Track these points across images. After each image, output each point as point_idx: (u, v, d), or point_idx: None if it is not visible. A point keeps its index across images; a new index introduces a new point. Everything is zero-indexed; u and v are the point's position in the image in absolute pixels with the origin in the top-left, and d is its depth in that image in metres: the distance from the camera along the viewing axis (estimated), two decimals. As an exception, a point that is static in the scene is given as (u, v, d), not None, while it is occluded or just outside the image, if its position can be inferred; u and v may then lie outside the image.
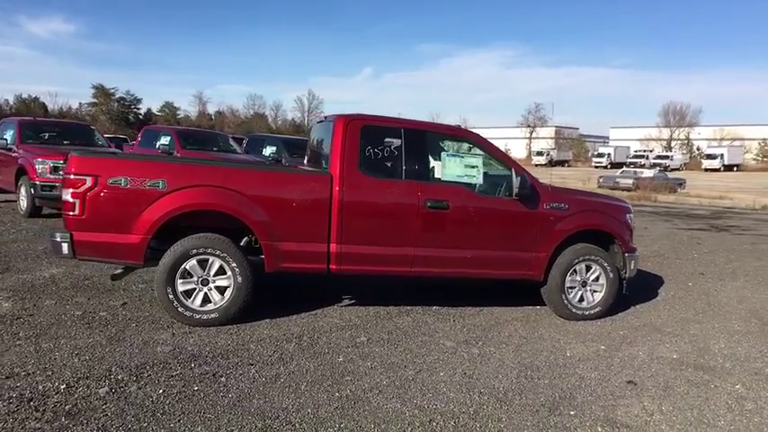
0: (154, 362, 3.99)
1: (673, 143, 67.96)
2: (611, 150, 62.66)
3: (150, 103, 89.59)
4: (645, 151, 62.95)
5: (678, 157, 61.29)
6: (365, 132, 5.23)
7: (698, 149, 68.11)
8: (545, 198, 5.57)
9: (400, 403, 3.61)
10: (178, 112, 75.93)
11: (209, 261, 4.83)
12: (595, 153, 66.40)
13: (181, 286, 4.78)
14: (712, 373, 4.44)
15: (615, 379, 4.23)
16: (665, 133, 68.77)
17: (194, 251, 4.77)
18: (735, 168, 59.82)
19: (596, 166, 58.66)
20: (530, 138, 72.71)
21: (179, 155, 12.07)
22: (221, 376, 3.85)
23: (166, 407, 3.36)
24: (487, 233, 5.45)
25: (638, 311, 6.18)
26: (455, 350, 4.67)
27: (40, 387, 3.49)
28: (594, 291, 5.82)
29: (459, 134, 5.73)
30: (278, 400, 3.54)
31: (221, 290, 4.89)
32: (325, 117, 5.82)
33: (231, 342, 4.50)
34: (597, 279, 5.80)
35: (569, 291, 5.73)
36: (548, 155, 62.96)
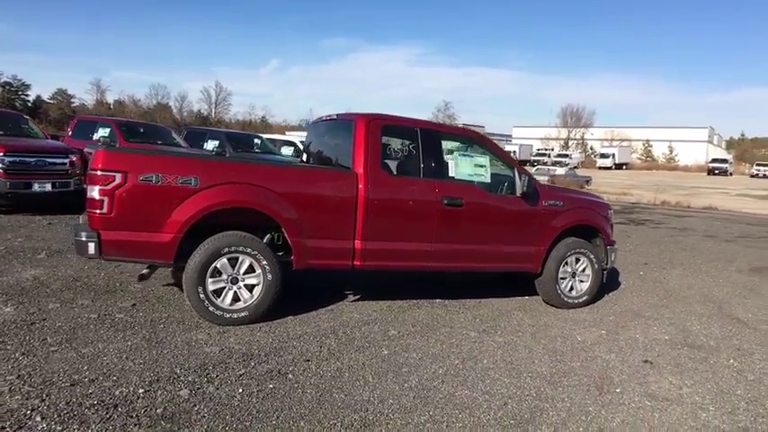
0: (211, 362, 3.94)
1: (570, 143, 72.70)
2: (516, 148, 65.94)
3: (40, 89, 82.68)
4: (546, 150, 66.98)
5: (576, 155, 65.70)
6: (385, 132, 5.38)
7: (591, 149, 73.41)
8: (543, 196, 6.00)
9: (468, 390, 3.84)
10: (73, 100, 70.49)
11: (240, 259, 4.79)
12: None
13: (211, 285, 4.71)
14: (705, 351, 5.04)
15: (632, 359, 4.70)
16: (564, 133, 73.46)
17: (225, 249, 4.71)
18: (624, 167, 65.11)
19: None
20: (439, 135, 74.79)
21: (123, 148, 11.47)
22: (287, 373, 3.88)
23: (257, 406, 3.37)
24: (495, 229, 5.79)
25: (613, 299, 6.79)
26: (481, 339, 4.96)
27: (117, 392, 3.37)
28: (581, 281, 6.34)
29: (468, 135, 6.02)
30: (357, 393, 3.65)
31: (249, 288, 4.86)
32: (337, 116, 5.88)
33: (272, 340, 4.51)
34: (584, 270, 6.32)
35: (561, 281, 6.20)
36: (457, 152, 65.15)
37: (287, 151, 16.42)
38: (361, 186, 5.12)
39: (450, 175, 5.66)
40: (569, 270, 6.24)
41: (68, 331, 4.34)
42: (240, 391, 3.54)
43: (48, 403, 3.16)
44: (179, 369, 3.78)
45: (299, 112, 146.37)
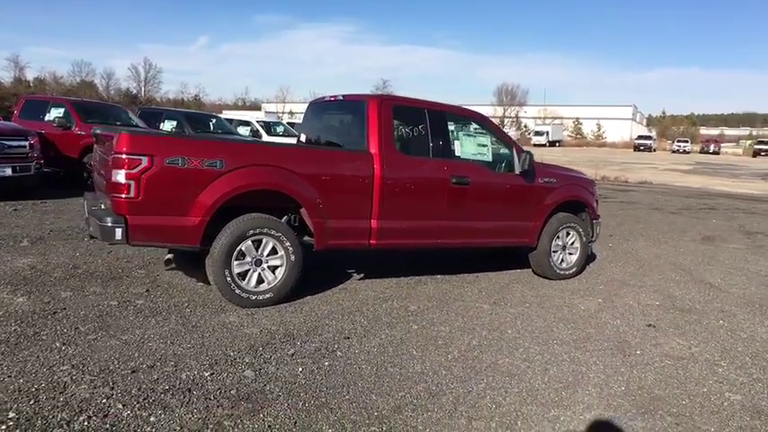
0: (258, 344, 3.98)
1: (505, 121, 74.57)
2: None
3: (-57, 65, 75.99)
4: (484, 128, 68.46)
5: (512, 133, 67.55)
6: (396, 112, 5.48)
7: (525, 127, 75.65)
8: (539, 173, 6.28)
9: (508, 358, 4.07)
10: (-14, 78, 65.50)
11: (264, 241, 4.80)
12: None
13: (236, 268, 4.71)
14: (695, 314, 5.50)
15: (637, 324, 5.09)
16: (499, 112, 75.20)
17: (251, 232, 4.71)
18: (557, 144, 67.58)
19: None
20: (379, 113, 74.78)
21: (80, 131, 10.96)
22: (335, 350, 3.98)
23: (324, 383, 3.46)
24: (497, 206, 6.04)
25: (595, 270, 7.22)
26: (495, 311, 5.20)
27: (183, 377, 3.37)
28: (570, 253, 6.71)
29: (470, 115, 6.19)
30: (409, 366, 3.81)
31: (272, 270, 4.89)
32: (343, 97, 5.90)
33: (304, 320, 4.58)
34: (573, 243, 6.69)
35: (553, 254, 6.55)
36: (399, 130, 65.56)
37: (243, 131, 16.10)
38: (376, 166, 5.20)
39: (457, 154, 5.82)
40: (560, 243, 6.59)
41: (96, 319, 4.24)
42: (300, 369, 3.61)
43: (120, 391, 3.13)
44: (231, 351, 3.80)
45: (234, 90, 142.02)
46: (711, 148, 62.43)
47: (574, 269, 6.71)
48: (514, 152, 6.08)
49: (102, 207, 4.88)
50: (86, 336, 3.91)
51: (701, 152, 61.41)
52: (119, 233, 4.28)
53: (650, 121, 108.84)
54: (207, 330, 4.17)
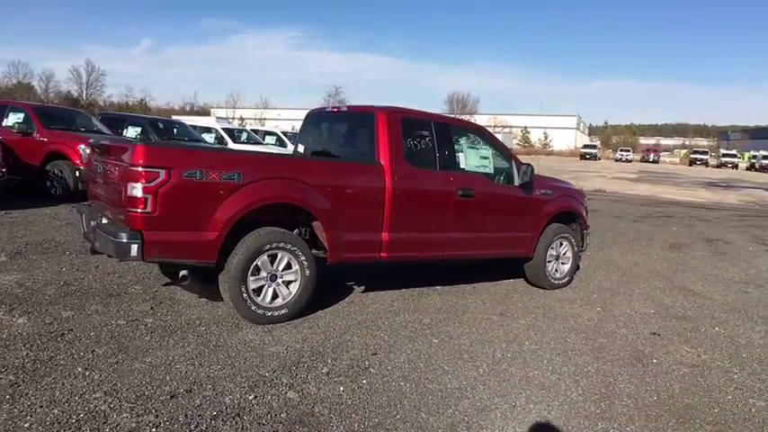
0: (289, 363, 3.88)
1: (456, 129, 75.89)
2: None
3: None
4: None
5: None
6: (404, 124, 5.47)
7: (476, 135, 76.99)
8: (536, 185, 6.41)
9: (537, 370, 4.12)
10: None
11: (279, 256, 4.69)
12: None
13: (252, 283, 4.58)
14: (690, 321, 5.72)
15: (641, 332, 5.24)
16: (451, 120, 76.35)
17: (267, 246, 4.59)
18: (507, 152, 69.08)
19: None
20: (331, 120, 74.64)
21: (42, 138, 10.43)
22: (368, 368, 3.92)
23: (370, 402, 3.41)
24: (500, 217, 6.11)
25: (582, 279, 7.40)
26: (505, 323, 5.25)
27: (226, 400, 3.24)
28: (563, 263, 6.86)
29: (471, 127, 6.26)
30: (446, 381, 3.79)
31: (286, 284, 4.78)
32: (347, 108, 5.85)
33: (325, 336, 4.49)
34: (566, 253, 6.85)
35: (548, 264, 6.68)
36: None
37: (208, 138, 15.73)
38: (387, 179, 5.18)
39: (462, 166, 5.87)
40: (554, 254, 6.73)
41: (110, 341, 4.03)
42: (342, 389, 3.54)
43: (166, 418, 2.98)
44: (265, 372, 3.68)
45: (182, 94, 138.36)
46: (651, 157, 65.34)
47: (566, 278, 6.86)
48: (513, 164, 6.19)
49: (105, 221, 4.66)
50: (106, 359, 3.70)
51: (641, 161, 64.14)
52: (134, 249, 4.08)
53: (592, 131, 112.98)
54: (231, 350, 4.03)
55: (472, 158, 5.97)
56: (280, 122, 57.52)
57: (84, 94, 70.86)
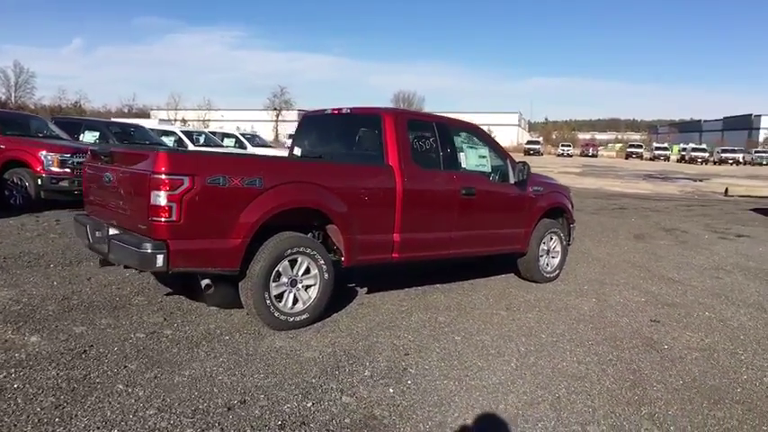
0: (329, 368, 3.86)
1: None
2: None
3: None
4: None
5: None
6: (410, 126, 5.52)
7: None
8: (529, 182, 6.59)
9: (565, 362, 4.26)
10: None
11: (299, 261, 4.65)
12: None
13: (274, 290, 4.52)
14: (682, 308, 6.03)
15: (642, 320, 5.49)
16: (397, 118, 76.88)
17: (288, 251, 4.54)
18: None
19: (343, 149, 63.06)
20: (276, 120, 73.75)
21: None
22: (407, 368, 3.96)
23: (425, 401, 3.46)
24: (498, 215, 6.26)
25: (568, 271, 7.62)
26: (515, 317, 5.39)
27: (285, 408, 3.20)
28: (553, 257, 7.09)
29: (468, 127, 6.36)
30: (486, 378, 3.87)
31: (306, 289, 4.75)
32: (350, 110, 5.83)
33: (351, 339, 4.49)
34: (555, 247, 7.08)
35: (540, 259, 6.89)
36: (300, 138, 65.00)
37: (167, 140, 15.28)
38: (398, 180, 5.21)
39: (463, 166, 5.97)
40: (546, 248, 6.94)
41: (138, 355, 3.90)
42: (391, 390, 3.56)
43: (233, 431, 2.92)
44: (311, 378, 3.66)
45: (120, 96, 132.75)
46: (591, 151, 67.99)
47: (557, 271, 7.09)
48: (508, 162, 6.34)
49: (115, 231, 4.50)
50: (143, 374, 3.58)
51: (581, 155, 66.61)
52: (160, 260, 3.95)
53: (533, 127, 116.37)
54: (266, 358, 3.97)
55: (471, 157, 6.09)
56: (223, 123, 56.35)
57: (13, 97, 67.03)
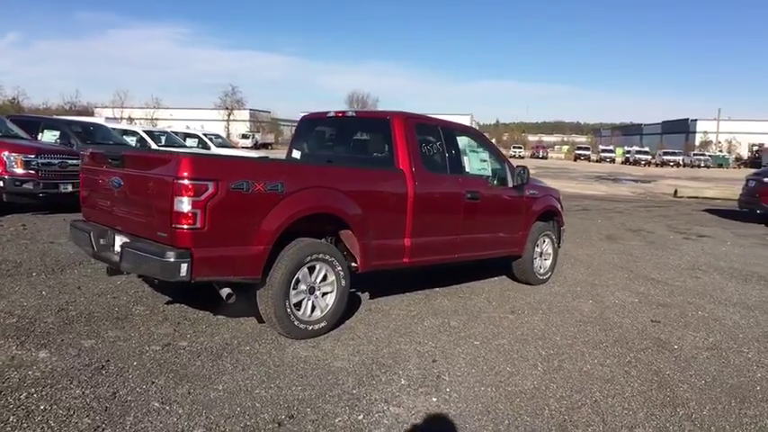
0: (363, 377, 3.80)
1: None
2: (310, 134, 67.25)
3: None
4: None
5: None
6: (418, 130, 5.49)
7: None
8: (526, 186, 6.68)
9: (588, 365, 4.32)
10: None
11: (317, 268, 4.55)
12: (296, 137, 70.54)
13: (293, 298, 4.40)
14: (675, 308, 6.22)
15: (643, 320, 5.64)
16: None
17: (308, 258, 4.43)
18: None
19: (297, 149, 62.42)
20: (228, 120, 72.23)
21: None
22: (441, 375, 3.93)
23: (475, 410, 3.42)
24: (499, 218, 6.31)
25: (557, 272, 7.78)
26: (523, 320, 5.43)
27: (337, 422, 3.12)
28: (545, 259, 7.21)
29: (470, 131, 6.39)
30: (519, 383, 3.88)
31: (323, 296, 4.65)
32: (355, 113, 5.75)
33: (375, 347, 4.42)
34: (547, 250, 7.20)
35: (534, 261, 6.99)
36: (253, 138, 63.85)
37: (130, 141, 14.72)
38: (409, 184, 5.17)
39: (467, 170, 5.99)
40: (539, 251, 7.05)
41: (161, 369, 3.71)
42: (434, 400, 3.52)
43: (293, 448, 2.81)
44: (351, 389, 3.58)
45: (62, 93, 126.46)
46: (541, 153, 69.78)
47: (549, 274, 7.21)
48: (506, 166, 6.40)
49: (123, 239, 4.28)
50: (174, 390, 3.41)
51: (531, 157, 68.22)
52: (184, 269, 3.77)
53: (484, 129, 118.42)
54: (296, 369, 3.85)
55: (474, 161, 6.12)
56: (172, 123, 54.82)
57: (-58, 92, 63.07)
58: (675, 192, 24.80)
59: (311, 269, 4.50)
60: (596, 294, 6.64)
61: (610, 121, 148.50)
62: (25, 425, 2.90)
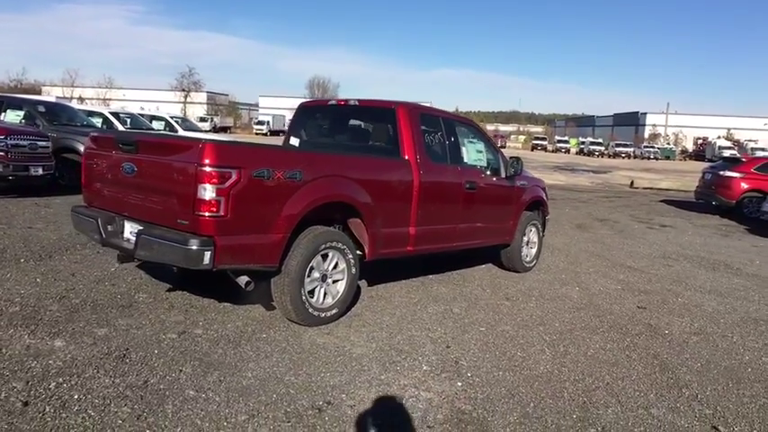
0: (387, 364, 3.89)
1: (317, 113, 75.56)
2: (269, 118, 66.18)
3: None
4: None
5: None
6: (422, 120, 5.56)
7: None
8: (517, 177, 6.85)
9: (591, 349, 4.52)
10: None
11: (329, 255, 4.59)
12: (255, 121, 69.32)
13: (308, 285, 4.44)
14: (656, 294, 6.53)
15: (629, 307, 5.91)
16: (311, 104, 75.82)
17: (323, 246, 4.47)
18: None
19: (257, 133, 61.48)
20: (184, 102, 70.33)
21: None
22: (459, 360, 4.06)
23: (497, 394, 3.55)
24: (493, 208, 6.47)
25: (539, 260, 8.05)
26: (519, 307, 5.60)
27: (373, 406, 3.18)
28: (531, 248, 7.43)
29: (467, 122, 6.49)
30: (533, 368, 4.04)
31: (334, 284, 4.70)
32: (358, 102, 5.76)
33: (388, 333, 4.51)
34: (533, 239, 7.42)
35: (521, 249, 7.20)
36: (211, 121, 62.45)
37: (96, 122, 14.25)
38: (414, 173, 5.25)
39: (465, 160, 6.10)
40: (526, 239, 7.26)
41: (185, 357, 3.71)
42: (460, 384, 3.63)
43: (340, 432, 2.87)
44: (378, 375, 3.67)
45: (7, 71, 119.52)
46: (500, 142, 70.74)
47: (534, 262, 7.44)
48: (500, 157, 6.56)
49: (135, 226, 4.21)
50: (205, 378, 3.41)
51: (490, 146, 69.09)
52: (207, 257, 3.74)
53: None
54: (318, 355, 3.91)
55: (471, 152, 6.23)
56: (126, 104, 53.05)
57: None
58: (632, 183, 25.72)
59: (324, 257, 4.54)
60: (581, 282, 6.89)
61: (563, 112, 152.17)
62: (64, 414, 2.86)
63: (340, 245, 4.60)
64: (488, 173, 6.37)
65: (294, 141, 6.17)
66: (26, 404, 2.91)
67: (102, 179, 4.58)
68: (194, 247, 3.72)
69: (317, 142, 6.00)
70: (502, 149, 7.28)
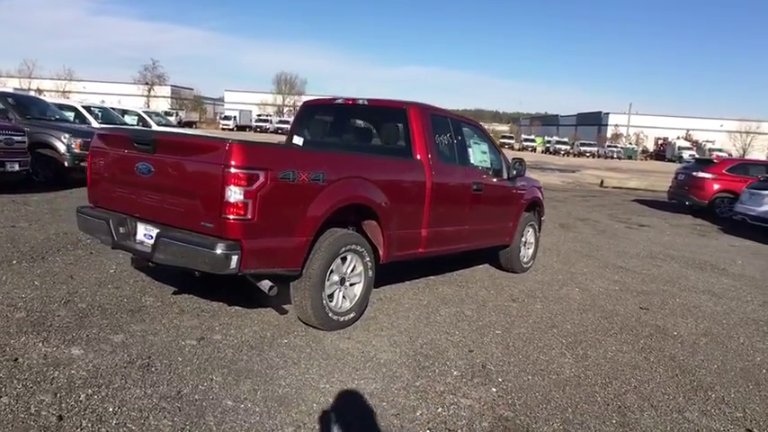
0: (418, 370, 3.84)
1: (285, 109, 74.85)
2: (236, 113, 65.12)
3: None
4: (268, 116, 67.72)
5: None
6: (433, 120, 5.52)
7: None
8: (518, 178, 6.88)
9: (609, 352, 4.57)
10: None
11: (348, 258, 4.51)
12: (222, 116, 68.11)
13: (328, 289, 4.35)
14: (655, 295, 6.66)
15: (632, 307, 6.01)
16: (279, 99, 75.08)
17: (343, 249, 4.39)
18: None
19: (224, 129, 60.45)
20: (148, 96, 68.56)
21: None
22: (485, 365, 4.03)
23: (532, 399, 3.54)
24: (497, 209, 6.48)
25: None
26: (527, 308, 5.63)
27: (419, 415, 3.12)
28: (528, 248, 7.49)
29: (472, 124, 6.47)
30: (559, 371, 4.05)
31: (351, 287, 4.62)
32: (367, 101, 5.67)
33: (409, 337, 4.46)
34: (530, 239, 7.48)
35: (519, 250, 7.24)
36: (176, 115, 60.99)
37: (71, 116, 13.76)
38: (427, 174, 5.21)
39: (471, 161, 6.09)
40: (524, 240, 7.31)
41: (211, 364, 3.59)
42: (494, 389, 3.61)
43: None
44: (412, 381, 3.61)
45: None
46: (467, 140, 71.29)
47: (531, 262, 7.49)
48: (502, 158, 6.58)
49: (142, 227, 4.06)
50: (239, 387, 3.31)
51: (458, 144, 69.56)
52: (234, 262, 3.62)
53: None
54: (346, 361, 3.84)
55: (477, 153, 6.22)
56: (86, 96, 51.51)
57: None
58: (602, 182, 26.28)
59: (343, 260, 4.46)
60: (579, 282, 6.97)
61: (527, 110, 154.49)
62: (103, 429, 2.72)
63: (358, 247, 4.52)
64: (492, 174, 6.38)
65: (297, 140, 6.05)
66: (60, 418, 2.76)
67: (111, 179, 4.38)
68: (221, 251, 3.59)
69: (323, 142, 5.90)
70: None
